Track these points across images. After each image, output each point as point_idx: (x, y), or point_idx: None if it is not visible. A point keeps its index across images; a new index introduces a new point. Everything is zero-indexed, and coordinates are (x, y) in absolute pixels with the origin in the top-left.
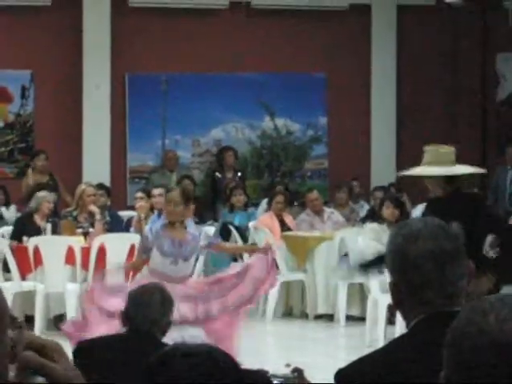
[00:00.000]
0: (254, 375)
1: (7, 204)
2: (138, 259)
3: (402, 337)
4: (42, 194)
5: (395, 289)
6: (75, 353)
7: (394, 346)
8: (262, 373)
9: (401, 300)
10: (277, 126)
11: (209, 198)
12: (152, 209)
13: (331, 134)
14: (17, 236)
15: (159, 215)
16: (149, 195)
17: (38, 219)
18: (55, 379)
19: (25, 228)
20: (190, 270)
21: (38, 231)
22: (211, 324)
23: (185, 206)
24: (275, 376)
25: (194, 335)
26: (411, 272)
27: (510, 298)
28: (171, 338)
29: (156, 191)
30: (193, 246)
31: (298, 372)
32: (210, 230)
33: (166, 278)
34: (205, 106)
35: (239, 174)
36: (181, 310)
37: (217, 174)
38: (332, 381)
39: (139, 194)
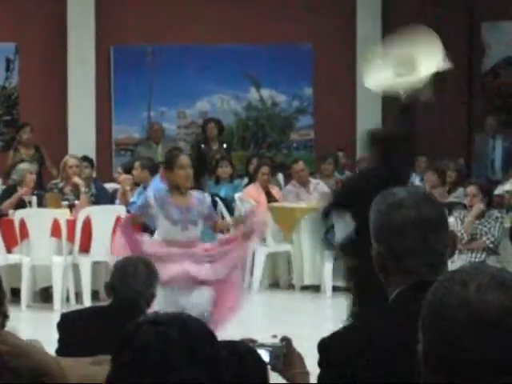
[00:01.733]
0: (236, 346)
1: None
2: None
3: (386, 306)
4: (23, 166)
5: (379, 257)
6: (59, 324)
7: (377, 315)
8: (246, 343)
9: (385, 269)
10: (262, 98)
11: (194, 170)
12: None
13: (317, 105)
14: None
15: (145, 188)
16: (129, 171)
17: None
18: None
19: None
20: (199, 232)
21: (22, 203)
22: (219, 285)
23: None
24: (263, 345)
25: (203, 295)
26: (394, 240)
27: (489, 266)
28: (178, 303)
29: (136, 165)
30: (199, 209)
31: (286, 341)
32: None
33: (177, 244)
34: (190, 77)
35: (225, 145)
36: (191, 271)
37: (202, 146)
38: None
39: (118, 170)
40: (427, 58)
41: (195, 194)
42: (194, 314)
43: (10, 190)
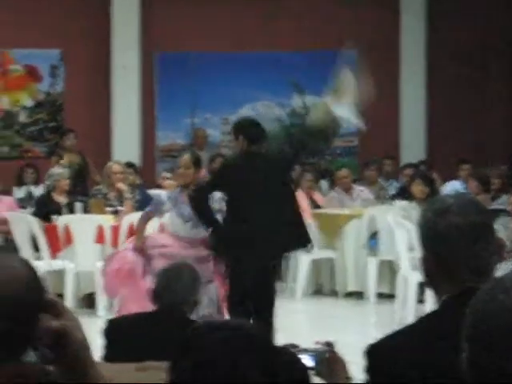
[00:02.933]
0: (279, 351)
1: (37, 183)
2: (141, 225)
3: (433, 313)
4: (56, 171)
5: (426, 264)
6: (105, 331)
7: (424, 322)
8: (288, 348)
9: (431, 276)
10: (306, 104)
11: None
12: None
13: (361, 111)
14: (38, 216)
15: None
16: None
17: (57, 196)
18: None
19: (46, 207)
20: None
21: (58, 208)
22: (218, 280)
23: (195, 170)
24: (306, 350)
25: (210, 291)
26: (440, 247)
27: None
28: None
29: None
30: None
31: (330, 346)
32: None
33: (188, 241)
34: (234, 84)
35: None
36: (205, 270)
37: None
38: (362, 358)
39: (165, 174)
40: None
41: None
42: (206, 311)
43: (45, 196)
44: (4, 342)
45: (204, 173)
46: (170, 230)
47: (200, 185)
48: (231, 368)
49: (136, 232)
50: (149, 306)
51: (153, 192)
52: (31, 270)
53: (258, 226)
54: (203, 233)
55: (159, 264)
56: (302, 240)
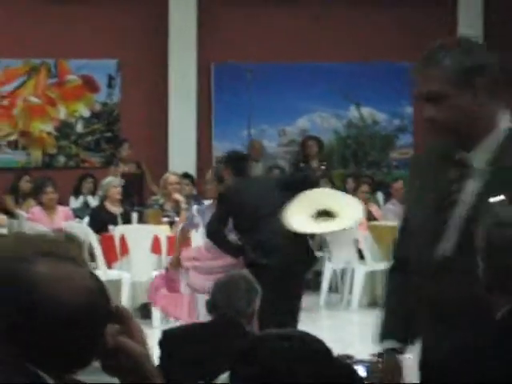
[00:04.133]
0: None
1: (94, 193)
2: (179, 241)
3: (490, 324)
4: (107, 180)
5: (483, 276)
6: (161, 342)
7: (480, 332)
8: (342, 359)
9: (489, 288)
10: (362, 116)
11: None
12: None
13: (417, 124)
14: (93, 226)
15: None
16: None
17: (109, 205)
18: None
19: (100, 217)
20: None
21: (113, 218)
22: None
23: (218, 184)
24: (361, 361)
25: None
26: (496, 258)
27: None
28: None
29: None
30: None
31: (384, 356)
32: None
33: (217, 251)
34: (290, 95)
35: (323, 165)
36: None
37: (301, 164)
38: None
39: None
40: (346, 211)
41: None
42: None
43: (99, 206)
44: (74, 351)
45: None
46: (202, 242)
47: (210, 221)
48: (289, 378)
49: (175, 249)
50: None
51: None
52: (100, 282)
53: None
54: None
55: (192, 276)
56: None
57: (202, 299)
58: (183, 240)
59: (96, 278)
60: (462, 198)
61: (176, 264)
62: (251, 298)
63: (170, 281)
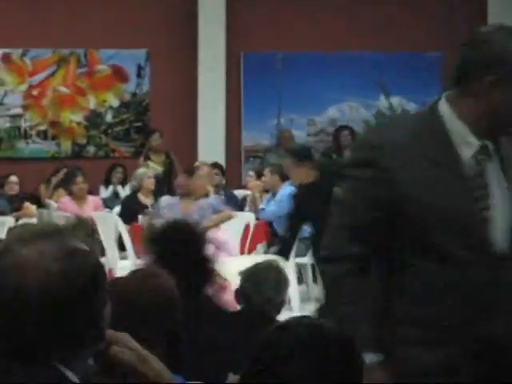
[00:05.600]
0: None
1: (124, 183)
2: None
3: None
4: (141, 170)
5: None
6: None
7: None
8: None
9: None
10: (392, 105)
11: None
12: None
13: None
14: (124, 217)
15: (273, 194)
16: (260, 175)
17: (142, 197)
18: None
19: (131, 207)
20: None
21: (143, 208)
22: None
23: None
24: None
25: None
26: None
27: None
28: None
29: (266, 170)
30: (197, 218)
31: None
32: None
33: None
34: (320, 84)
35: None
36: None
37: (333, 155)
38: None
39: (250, 173)
40: None
41: (201, 202)
42: None
43: (131, 197)
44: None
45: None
46: None
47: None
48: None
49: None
50: None
51: (237, 192)
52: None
53: None
54: None
55: None
56: None
57: None
58: (148, 228)
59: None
60: (494, 185)
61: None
62: (281, 287)
63: None
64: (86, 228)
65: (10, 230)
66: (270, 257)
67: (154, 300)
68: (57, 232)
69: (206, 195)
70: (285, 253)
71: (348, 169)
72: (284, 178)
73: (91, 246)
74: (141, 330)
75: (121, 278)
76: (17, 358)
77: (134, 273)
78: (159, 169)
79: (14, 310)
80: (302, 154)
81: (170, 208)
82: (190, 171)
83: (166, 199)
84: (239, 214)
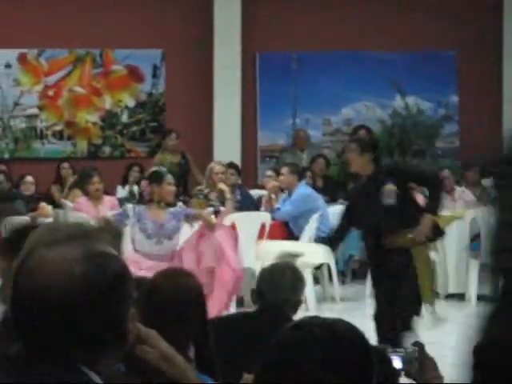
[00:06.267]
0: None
1: (140, 183)
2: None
3: None
4: (153, 169)
5: None
6: None
7: None
8: (378, 348)
9: None
10: (408, 105)
11: (341, 178)
12: (282, 188)
13: (462, 113)
14: None
15: (289, 194)
16: (278, 174)
17: None
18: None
19: None
20: (177, 246)
21: None
22: None
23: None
24: (396, 351)
25: None
26: None
27: None
28: None
29: (282, 170)
30: (174, 224)
31: (419, 346)
32: (341, 208)
33: (151, 257)
34: (335, 84)
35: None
36: None
37: None
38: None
39: (269, 173)
40: None
41: (171, 210)
42: None
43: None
44: (76, 337)
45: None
46: (135, 245)
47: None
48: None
49: None
50: None
51: (253, 192)
52: (94, 267)
53: None
54: (171, 248)
55: None
56: None
57: None
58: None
59: (95, 263)
60: None
61: None
62: (297, 287)
63: None
64: (112, 231)
65: (35, 230)
66: (314, 245)
67: (182, 299)
68: (82, 235)
69: (174, 204)
70: (333, 242)
71: (504, 166)
72: (301, 177)
73: (118, 249)
74: (168, 330)
75: (145, 278)
76: (40, 359)
77: (160, 273)
78: (175, 162)
79: (35, 312)
80: (366, 144)
81: (138, 217)
82: (150, 177)
83: (131, 207)
84: (255, 213)
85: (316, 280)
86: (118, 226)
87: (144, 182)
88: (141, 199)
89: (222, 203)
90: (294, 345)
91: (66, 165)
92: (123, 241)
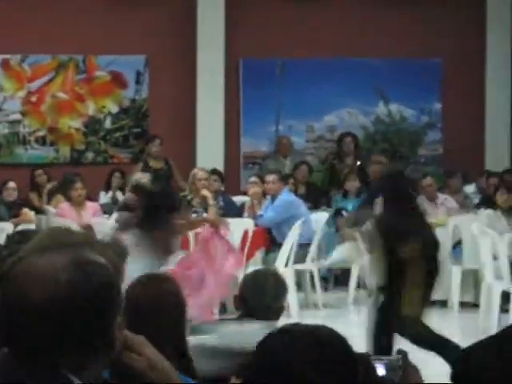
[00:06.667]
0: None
1: (123, 188)
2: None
3: None
4: (136, 176)
5: None
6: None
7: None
8: (360, 356)
9: None
10: (391, 112)
11: (325, 185)
12: (265, 194)
13: (446, 120)
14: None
15: (272, 200)
16: (262, 181)
17: None
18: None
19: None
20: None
21: None
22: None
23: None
24: (379, 358)
25: None
26: None
27: None
28: None
29: (269, 177)
30: None
31: (402, 353)
32: (323, 215)
33: None
34: (319, 91)
35: (358, 162)
36: None
37: (335, 161)
38: (443, 367)
39: (253, 179)
40: None
41: None
42: None
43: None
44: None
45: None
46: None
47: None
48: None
49: None
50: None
51: (236, 199)
52: (84, 275)
53: None
54: None
55: None
56: None
57: None
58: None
59: (82, 271)
60: None
61: None
62: (280, 293)
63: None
64: (118, 249)
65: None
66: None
67: (160, 303)
68: (72, 244)
69: None
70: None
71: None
72: (284, 184)
73: (118, 268)
74: (149, 333)
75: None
76: (24, 363)
77: (138, 279)
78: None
79: (21, 317)
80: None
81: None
82: (136, 187)
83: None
84: (238, 220)
85: (299, 286)
86: (125, 246)
87: (130, 193)
88: (126, 208)
89: (205, 209)
90: (283, 347)
91: (39, 171)
92: (126, 261)
